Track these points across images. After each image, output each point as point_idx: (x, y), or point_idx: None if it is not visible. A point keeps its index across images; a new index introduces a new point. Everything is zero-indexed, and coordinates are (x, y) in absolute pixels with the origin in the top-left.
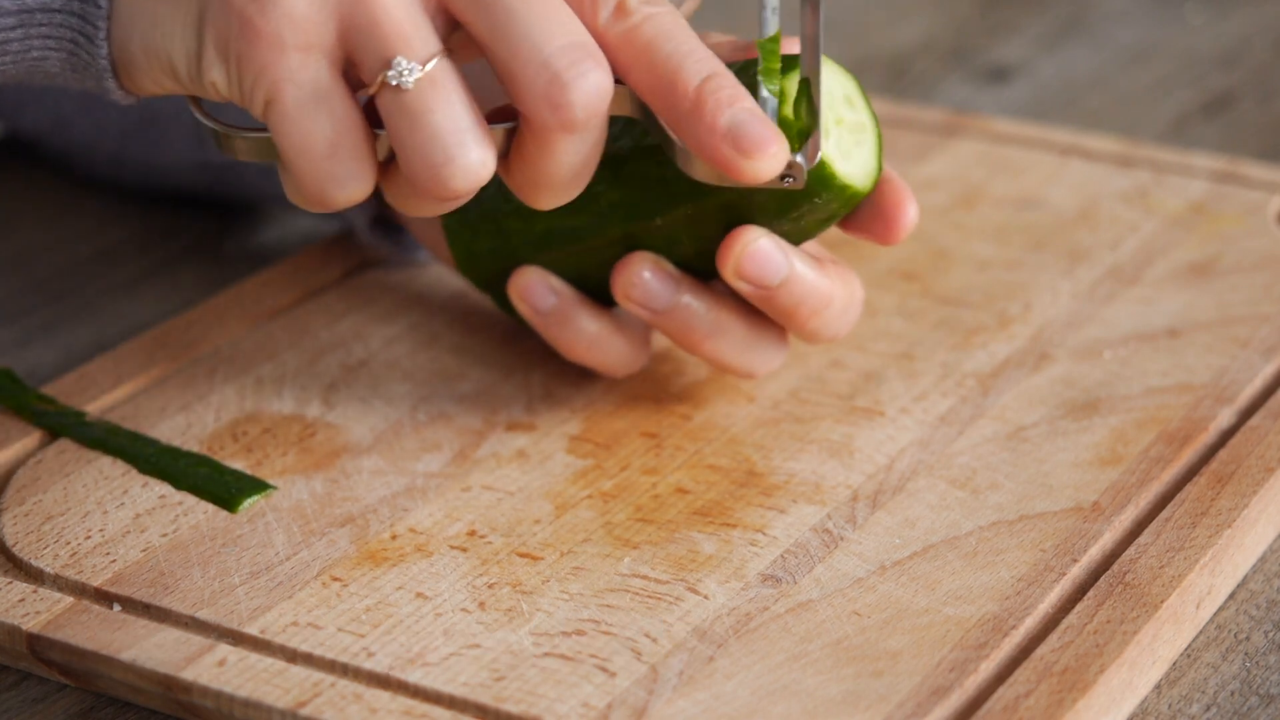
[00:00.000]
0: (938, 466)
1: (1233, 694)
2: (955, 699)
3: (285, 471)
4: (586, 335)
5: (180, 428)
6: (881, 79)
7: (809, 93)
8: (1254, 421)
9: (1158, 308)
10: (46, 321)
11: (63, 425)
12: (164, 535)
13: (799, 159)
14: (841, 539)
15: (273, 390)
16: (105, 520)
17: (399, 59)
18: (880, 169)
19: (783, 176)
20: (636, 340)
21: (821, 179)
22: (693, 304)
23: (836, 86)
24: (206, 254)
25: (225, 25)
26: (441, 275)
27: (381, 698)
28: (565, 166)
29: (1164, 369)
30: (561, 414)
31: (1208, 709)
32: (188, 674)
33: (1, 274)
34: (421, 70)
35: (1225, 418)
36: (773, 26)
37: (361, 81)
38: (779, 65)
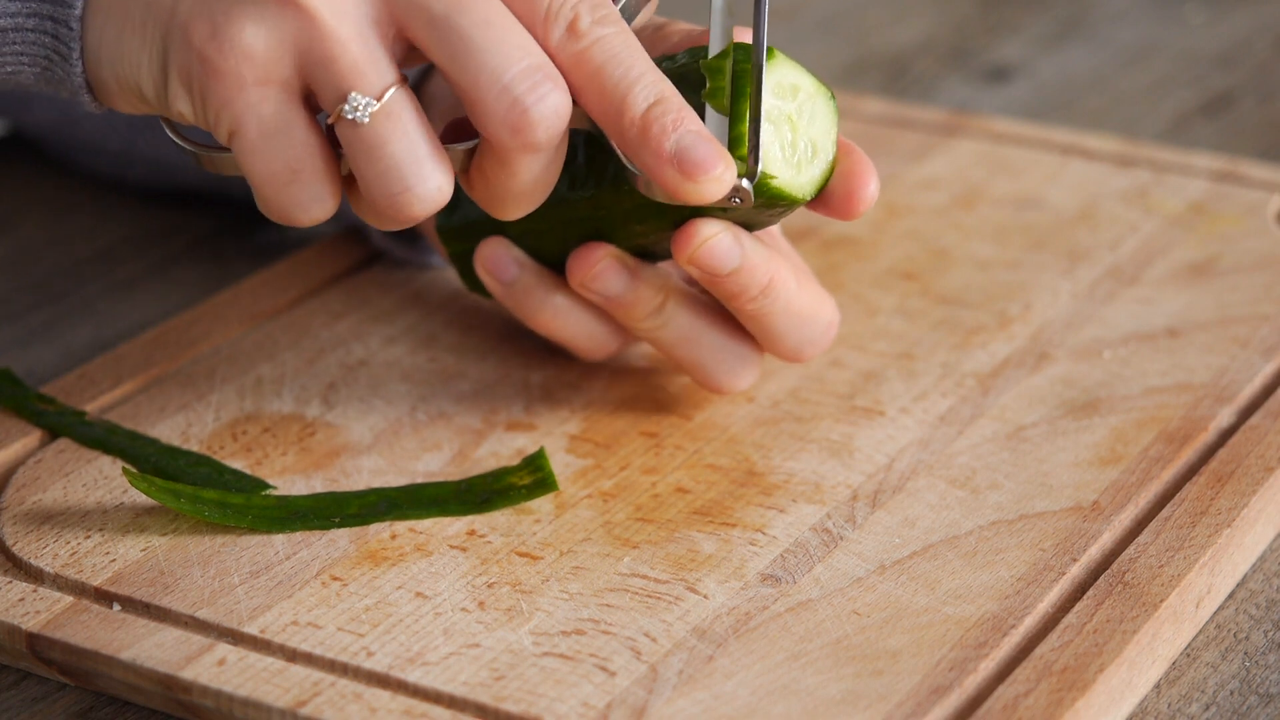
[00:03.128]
0: (938, 466)
1: (1232, 693)
2: (955, 698)
3: (285, 471)
4: (550, 305)
5: (180, 428)
6: (881, 79)
7: (754, 112)
8: (1254, 421)
9: (1158, 308)
10: (46, 321)
11: (63, 425)
12: (164, 535)
13: (745, 184)
14: (841, 538)
15: (272, 390)
16: (105, 520)
17: (354, 94)
18: (833, 158)
19: (730, 196)
20: (605, 318)
21: (766, 194)
22: (644, 291)
23: (783, 77)
24: (206, 254)
25: (187, 61)
26: (441, 275)
27: (381, 697)
28: (527, 182)
29: (1164, 369)
30: (561, 414)
31: (1207, 708)
32: (188, 673)
33: (1, 273)
34: (377, 104)
35: (1225, 417)
36: (719, 45)
37: (323, 110)
38: (727, 85)
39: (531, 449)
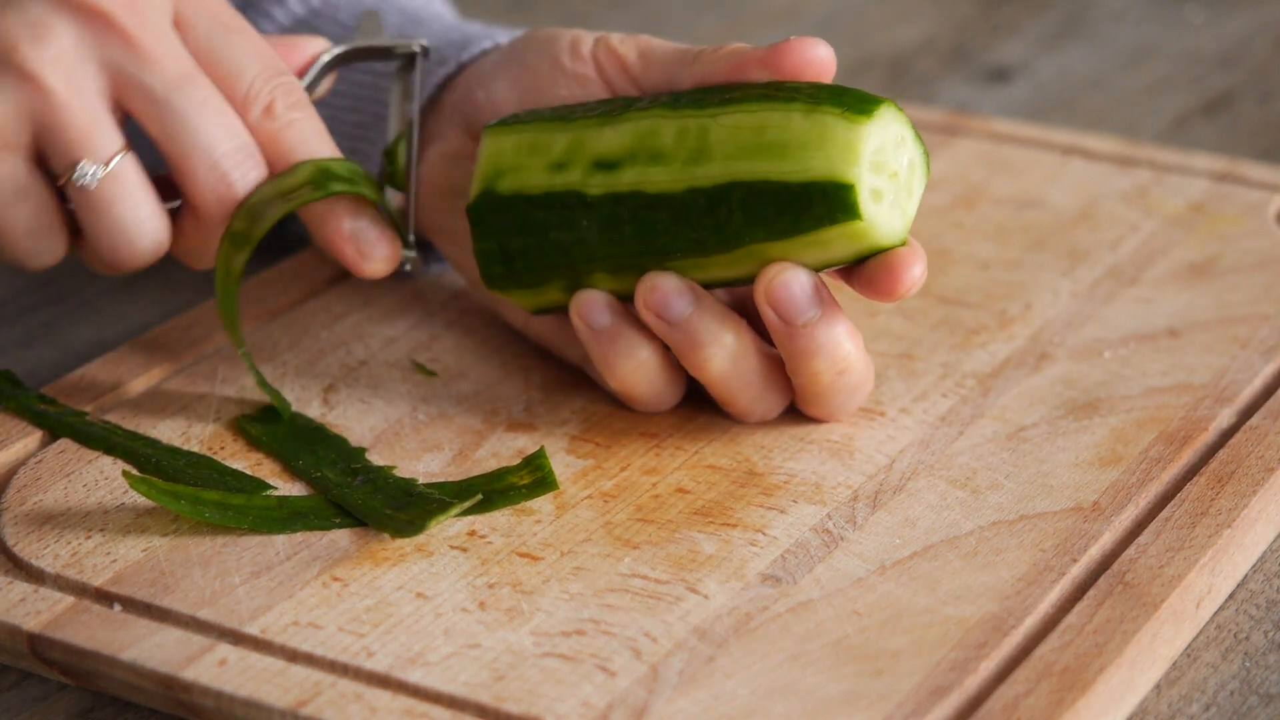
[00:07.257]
0: (938, 466)
1: (1232, 694)
2: (955, 698)
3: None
4: (635, 357)
5: (180, 428)
6: (881, 79)
7: (407, 186)
8: (1254, 421)
9: (1158, 308)
10: (47, 321)
11: (63, 426)
12: (164, 535)
13: (411, 252)
14: (841, 539)
15: None
16: (105, 520)
17: (83, 162)
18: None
19: (400, 265)
20: (675, 378)
21: (853, 233)
22: (704, 319)
23: (892, 130)
24: None
25: None
26: (442, 276)
27: (382, 697)
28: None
29: (1164, 369)
30: (561, 414)
31: (1207, 709)
32: (188, 674)
33: (2, 274)
34: (104, 170)
35: (1225, 418)
36: (395, 130)
37: (54, 172)
38: (400, 166)
39: (532, 449)
